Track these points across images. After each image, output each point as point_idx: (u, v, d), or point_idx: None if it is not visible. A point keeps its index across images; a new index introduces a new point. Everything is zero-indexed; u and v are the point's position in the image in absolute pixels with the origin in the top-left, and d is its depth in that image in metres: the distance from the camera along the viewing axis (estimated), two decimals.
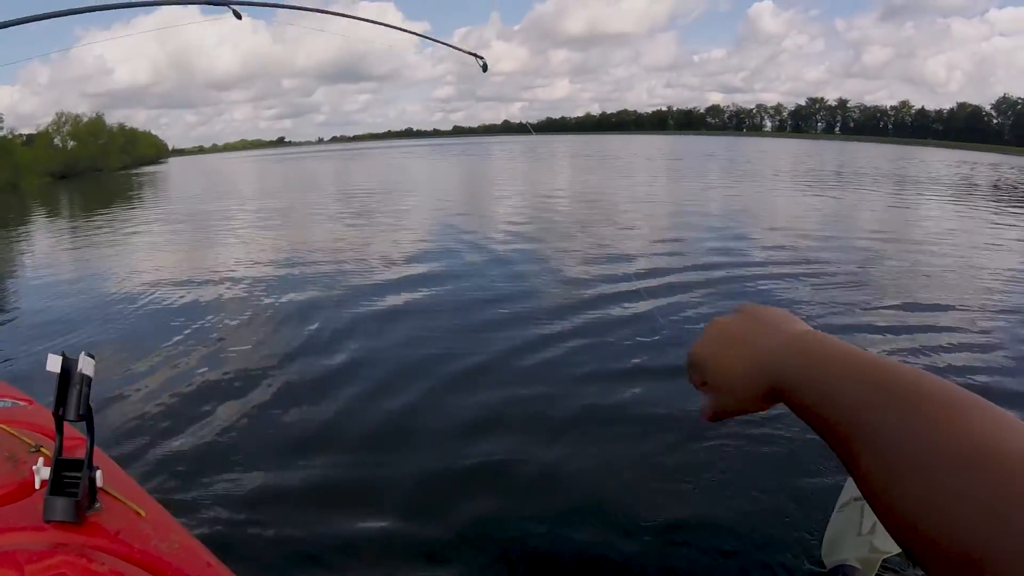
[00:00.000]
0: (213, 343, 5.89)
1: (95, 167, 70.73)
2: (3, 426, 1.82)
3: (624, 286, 7.25)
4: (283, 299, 7.35)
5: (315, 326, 6.25)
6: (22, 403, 2.16)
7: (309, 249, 10.97)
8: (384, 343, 5.69)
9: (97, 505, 1.44)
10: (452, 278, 8.17)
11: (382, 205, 18.48)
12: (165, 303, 7.45)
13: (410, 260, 9.53)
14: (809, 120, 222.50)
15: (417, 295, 7.36)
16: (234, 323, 6.59)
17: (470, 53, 2.96)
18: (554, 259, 9.20)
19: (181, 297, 7.70)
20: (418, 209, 17.10)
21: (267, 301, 7.33)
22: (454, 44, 3.28)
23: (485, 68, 2.97)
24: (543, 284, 7.77)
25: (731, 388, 0.59)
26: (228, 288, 8.10)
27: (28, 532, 1.35)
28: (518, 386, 4.64)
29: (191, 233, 14.95)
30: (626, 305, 6.54)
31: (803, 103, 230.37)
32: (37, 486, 1.47)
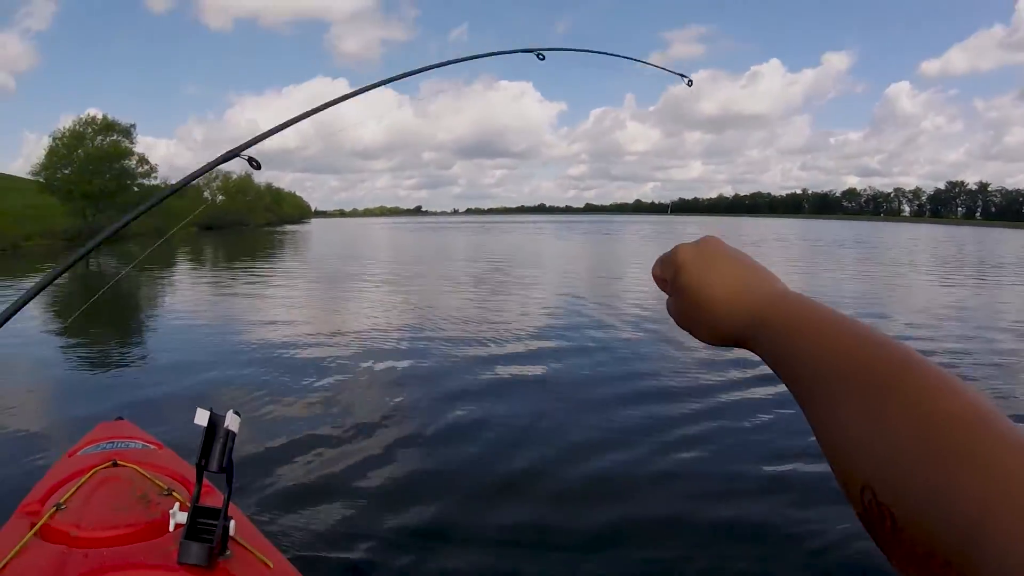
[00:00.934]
0: (342, 402, 6.04)
1: (241, 222, 75.39)
2: (136, 467, 1.94)
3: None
4: (410, 361, 7.51)
5: (443, 388, 6.36)
6: (152, 447, 2.31)
7: (438, 315, 11.14)
8: (504, 410, 5.69)
9: (228, 553, 1.51)
10: (573, 354, 8.07)
11: (512, 277, 18.60)
12: (297, 357, 7.75)
13: (533, 334, 9.49)
14: (949, 204, 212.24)
15: (536, 368, 7.33)
16: (363, 383, 6.79)
17: (676, 73, 3.03)
18: (682, 344, 8.35)
19: (313, 352, 8.00)
20: (546, 284, 16.94)
21: (394, 363, 7.50)
22: (655, 63, 3.39)
23: (690, 83, 3.06)
24: (670, 369, 7.31)
25: (702, 311, 0.56)
26: (359, 347, 8.33)
27: (161, 571, 1.42)
28: (642, 489, 4.21)
29: (326, 291, 15.70)
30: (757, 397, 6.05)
31: (942, 187, 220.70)
32: (171, 528, 1.56)
